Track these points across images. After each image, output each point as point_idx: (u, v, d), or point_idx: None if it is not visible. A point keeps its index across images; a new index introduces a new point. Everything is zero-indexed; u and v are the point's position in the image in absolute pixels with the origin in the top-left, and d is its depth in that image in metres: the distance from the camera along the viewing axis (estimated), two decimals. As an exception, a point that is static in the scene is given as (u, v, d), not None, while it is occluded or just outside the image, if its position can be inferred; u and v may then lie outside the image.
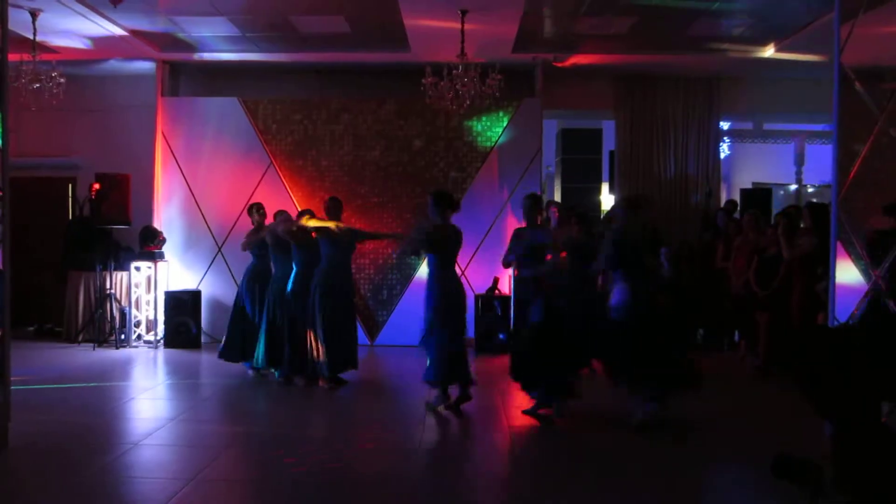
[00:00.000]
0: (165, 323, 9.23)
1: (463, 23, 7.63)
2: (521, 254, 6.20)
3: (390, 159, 9.59)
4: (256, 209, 7.79)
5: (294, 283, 7.03)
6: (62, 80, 7.88)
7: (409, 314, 9.49)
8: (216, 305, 9.57)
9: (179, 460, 5.03)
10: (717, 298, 8.77)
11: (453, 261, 6.29)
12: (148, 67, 9.67)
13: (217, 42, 8.95)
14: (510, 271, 8.34)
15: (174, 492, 4.23)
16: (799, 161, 12.13)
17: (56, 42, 8.59)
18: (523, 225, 6.46)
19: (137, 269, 9.31)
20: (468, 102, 7.91)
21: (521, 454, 5.20)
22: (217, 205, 9.68)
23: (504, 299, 9.10)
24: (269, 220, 7.68)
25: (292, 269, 7.10)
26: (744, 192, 10.94)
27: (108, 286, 9.15)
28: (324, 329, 6.76)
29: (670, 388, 5.59)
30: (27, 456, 4.91)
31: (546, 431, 5.71)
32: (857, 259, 8.10)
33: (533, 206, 6.24)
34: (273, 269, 7.36)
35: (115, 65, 9.66)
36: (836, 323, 5.36)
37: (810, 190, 12.65)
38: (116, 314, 9.15)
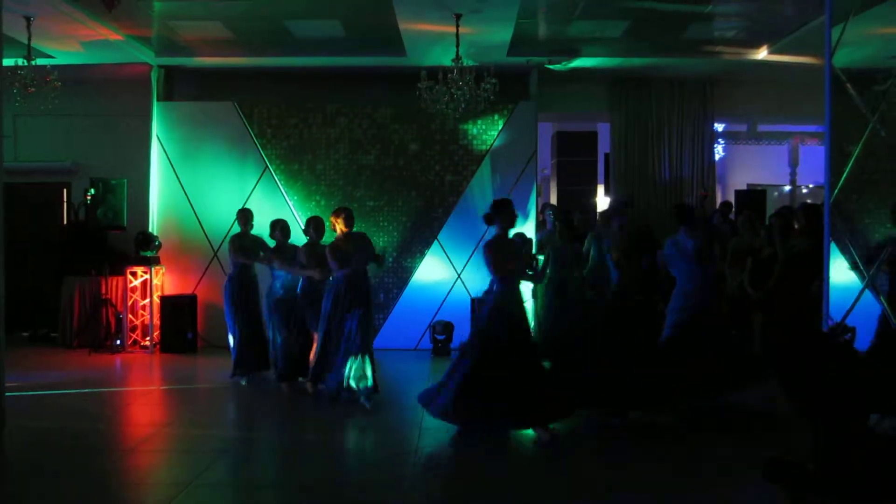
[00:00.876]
0: (161, 328, 9.22)
1: (458, 27, 7.65)
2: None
3: (386, 163, 9.60)
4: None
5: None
6: (57, 84, 7.87)
7: (405, 318, 9.51)
8: (212, 310, 9.55)
9: (175, 466, 5.02)
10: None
11: None
12: (143, 72, 9.67)
13: (212, 46, 8.96)
14: None
15: (169, 497, 4.22)
16: (793, 162, 12.19)
17: (51, 47, 8.59)
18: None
19: (133, 274, 9.30)
20: (463, 106, 7.92)
21: (519, 460, 5.21)
22: (213, 209, 9.67)
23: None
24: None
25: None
26: (738, 193, 10.98)
27: (103, 291, 9.13)
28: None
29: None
30: (22, 461, 4.90)
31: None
32: (850, 259, 8.13)
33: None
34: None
35: (111, 69, 9.64)
36: (830, 323, 5.38)
37: (804, 191, 12.71)
38: (112, 319, 9.13)
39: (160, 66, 9.69)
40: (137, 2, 7.36)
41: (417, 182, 9.58)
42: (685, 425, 5.82)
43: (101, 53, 8.92)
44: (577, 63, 9.48)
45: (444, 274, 9.53)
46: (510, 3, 7.21)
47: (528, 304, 8.97)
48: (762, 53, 9.00)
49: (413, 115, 9.47)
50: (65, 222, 10.25)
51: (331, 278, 6.61)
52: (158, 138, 9.74)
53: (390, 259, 9.34)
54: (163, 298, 9.28)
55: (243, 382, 7.29)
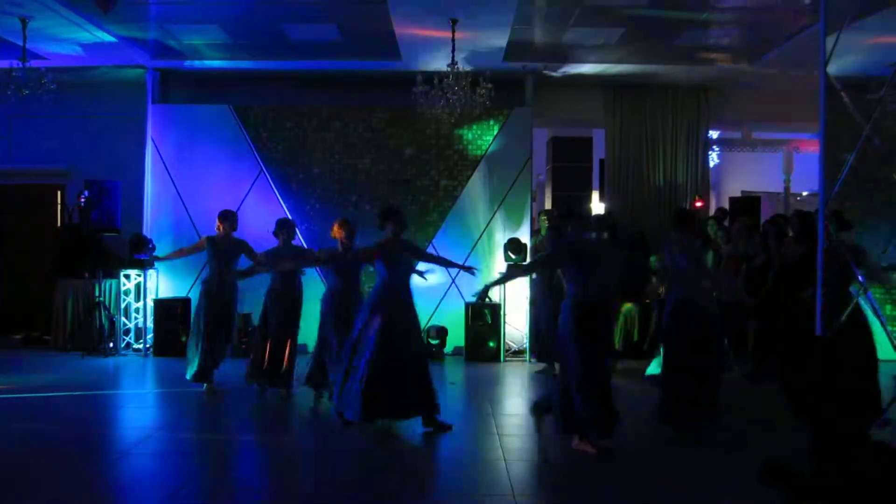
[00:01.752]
0: (154, 331, 9.18)
1: (454, 32, 7.67)
2: None
3: (381, 167, 9.61)
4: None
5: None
6: (52, 86, 7.85)
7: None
8: (206, 313, 9.52)
9: (168, 469, 5.00)
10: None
11: None
12: (138, 75, 9.66)
13: (208, 49, 8.95)
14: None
15: (161, 501, 4.20)
16: (787, 170, 12.24)
17: (46, 49, 8.57)
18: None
19: (127, 276, 9.27)
20: (459, 111, 7.94)
21: (513, 465, 5.20)
22: (207, 212, 9.61)
23: (494, 307, 9.10)
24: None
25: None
26: (733, 200, 11.01)
27: (96, 294, 9.10)
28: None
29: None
30: (13, 465, 4.87)
31: (535, 442, 5.71)
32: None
33: None
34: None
35: (106, 72, 9.63)
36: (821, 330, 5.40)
37: (798, 198, 12.76)
38: (105, 322, 9.09)
39: (155, 69, 9.68)
40: (133, 4, 7.35)
41: (412, 186, 9.58)
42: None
43: (97, 55, 8.91)
44: (573, 69, 9.51)
45: (438, 278, 9.52)
46: (506, 9, 7.23)
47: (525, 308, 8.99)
48: (757, 61, 9.04)
49: (409, 120, 9.47)
50: (59, 224, 10.22)
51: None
52: (153, 141, 9.72)
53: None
54: (156, 301, 9.24)
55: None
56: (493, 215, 9.52)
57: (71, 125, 9.95)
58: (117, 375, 8.11)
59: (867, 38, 7.45)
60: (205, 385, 7.04)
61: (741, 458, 5.01)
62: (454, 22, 7.54)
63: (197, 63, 9.46)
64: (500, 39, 8.23)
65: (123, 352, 9.15)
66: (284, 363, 6.86)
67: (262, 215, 9.57)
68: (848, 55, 7.20)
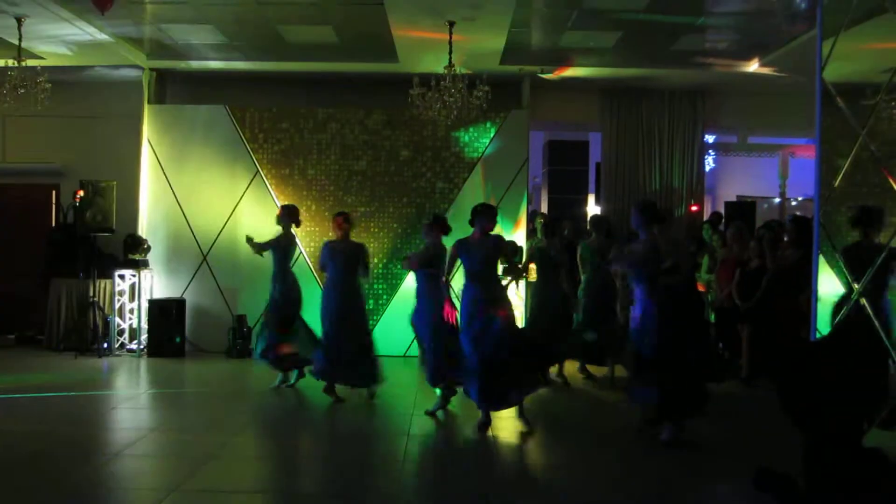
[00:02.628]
0: (149, 331, 9.16)
1: (451, 34, 7.66)
2: None
3: (377, 169, 9.60)
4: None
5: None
6: (48, 86, 7.82)
7: (395, 324, 9.48)
8: (201, 314, 9.50)
9: (161, 471, 4.99)
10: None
11: None
12: (134, 74, 9.63)
13: (204, 50, 8.93)
14: None
15: (155, 502, 4.18)
16: (782, 174, 12.27)
17: (42, 48, 8.54)
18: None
19: (121, 277, 9.24)
20: (455, 113, 7.93)
21: (507, 465, 5.20)
22: (203, 213, 9.63)
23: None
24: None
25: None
26: (728, 204, 11.04)
27: (91, 294, 9.07)
28: None
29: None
30: (6, 466, 4.84)
31: (528, 440, 5.70)
32: (839, 272, 8.18)
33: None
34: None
35: (102, 71, 9.61)
36: (816, 336, 5.40)
37: (794, 203, 12.79)
38: (99, 322, 9.06)
39: (151, 69, 9.65)
40: (129, 4, 7.33)
41: (409, 188, 9.57)
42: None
43: (93, 55, 8.87)
44: (569, 73, 9.52)
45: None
46: (503, 11, 7.23)
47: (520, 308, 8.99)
48: (753, 66, 9.06)
49: (405, 122, 9.47)
50: (53, 224, 10.18)
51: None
52: (149, 141, 9.69)
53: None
54: (151, 302, 9.21)
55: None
56: (489, 218, 9.50)
57: (66, 125, 9.92)
58: (111, 376, 8.08)
59: (863, 43, 7.47)
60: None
61: (735, 463, 5.01)
62: (451, 24, 7.54)
63: (193, 63, 9.44)
64: (497, 42, 8.23)
65: (117, 352, 9.12)
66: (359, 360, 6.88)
67: (257, 217, 9.57)
68: (844, 61, 7.20)
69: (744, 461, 4.72)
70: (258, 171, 9.61)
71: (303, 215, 9.51)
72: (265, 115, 9.65)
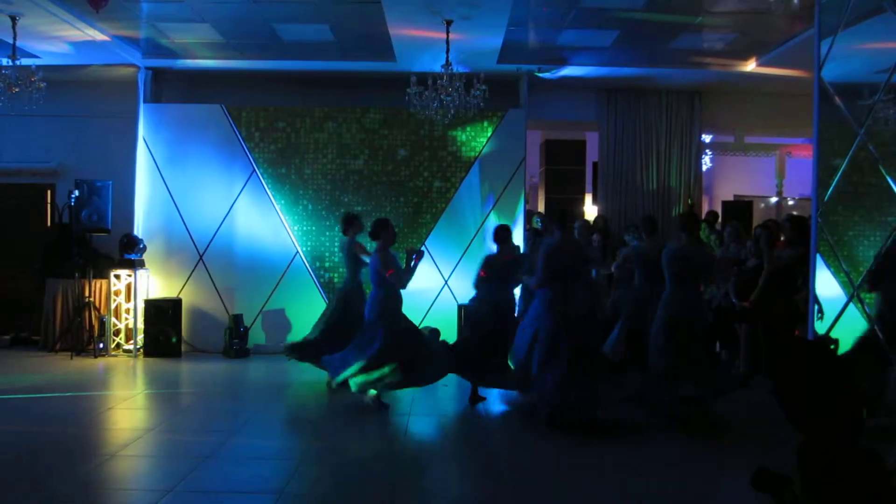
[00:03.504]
0: (145, 332, 9.12)
1: (448, 33, 7.65)
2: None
3: (374, 168, 9.58)
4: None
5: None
6: (43, 85, 7.78)
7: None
8: (197, 314, 9.48)
9: (157, 471, 4.97)
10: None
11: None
12: (130, 73, 9.59)
13: (200, 49, 8.90)
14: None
15: (151, 503, 4.17)
16: (779, 174, 12.28)
17: (37, 47, 8.50)
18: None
19: (117, 276, 9.20)
20: (453, 112, 7.92)
21: (502, 465, 5.18)
22: (199, 212, 9.60)
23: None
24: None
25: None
26: (725, 203, 11.04)
27: (86, 294, 9.03)
28: None
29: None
30: (1, 467, 4.81)
31: (525, 439, 5.69)
32: (836, 271, 8.18)
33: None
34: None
35: (97, 70, 9.57)
36: (814, 334, 5.41)
37: (790, 203, 12.80)
38: (95, 323, 9.02)
39: (147, 68, 9.61)
40: (125, 2, 7.30)
41: (406, 187, 9.56)
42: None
43: (88, 54, 8.83)
44: (567, 72, 9.51)
45: (431, 280, 9.50)
46: (501, 10, 7.22)
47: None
48: (751, 65, 9.06)
49: (402, 121, 9.45)
50: (48, 224, 10.14)
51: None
52: (145, 140, 9.66)
53: None
54: (147, 302, 9.18)
55: None
56: (487, 217, 9.50)
57: (61, 124, 9.88)
58: (107, 376, 8.05)
59: (860, 43, 7.47)
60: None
61: (733, 462, 5.01)
62: (448, 23, 7.52)
63: (189, 62, 9.41)
64: (494, 41, 8.21)
65: (113, 352, 9.08)
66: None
67: (254, 216, 9.55)
68: (841, 60, 7.20)
69: (742, 461, 4.72)
70: (255, 170, 9.58)
71: (299, 215, 9.56)
72: (262, 114, 9.62)
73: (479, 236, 9.52)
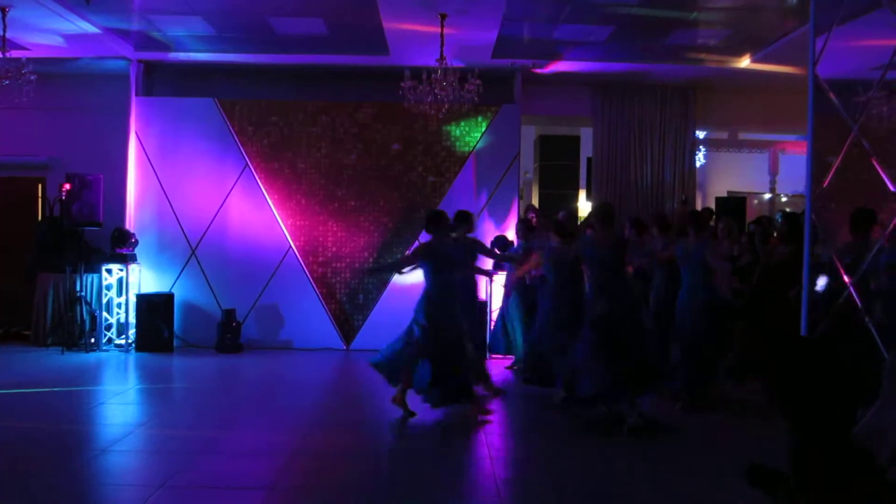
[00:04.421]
0: (137, 326, 9.08)
1: (442, 27, 7.61)
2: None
3: (368, 163, 9.54)
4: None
5: None
6: (33, 77, 7.71)
7: (385, 318, 9.44)
8: (189, 308, 9.43)
9: (149, 467, 4.94)
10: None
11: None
12: (121, 66, 9.52)
13: (193, 42, 8.84)
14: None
15: (142, 499, 4.14)
16: (773, 170, 12.30)
17: (27, 39, 8.42)
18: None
19: (109, 271, 9.15)
20: (447, 107, 7.89)
21: (495, 461, 5.18)
22: (191, 207, 9.55)
23: (480, 305, 9.05)
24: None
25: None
26: (719, 200, 11.06)
27: (78, 289, 8.97)
28: None
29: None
30: (-10, 462, 4.78)
31: (521, 435, 5.69)
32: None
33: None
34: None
35: (88, 63, 9.49)
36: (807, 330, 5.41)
37: (784, 199, 12.82)
38: (87, 317, 8.97)
39: (139, 61, 9.55)
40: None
41: (399, 182, 9.53)
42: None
43: (79, 46, 8.76)
44: (561, 67, 9.49)
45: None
46: (496, 4, 7.19)
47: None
48: (745, 62, 9.06)
49: (396, 115, 9.42)
50: (39, 218, 10.07)
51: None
52: (136, 134, 9.59)
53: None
54: (139, 296, 9.13)
55: None
56: (481, 212, 9.49)
57: (52, 117, 9.80)
58: (98, 371, 8.00)
59: (855, 40, 7.48)
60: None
61: (726, 458, 5.01)
62: (443, 17, 7.49)
63: (181, 55, 9.34)
64: (489, 35, 8.18)
65: (105, 347, 9.03)
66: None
67: (247, 210, 9.51)
68: (836, 57, 7.21)
69: (735, 456, 4.72)
70: (247, 164, 9.53)
71: (292, 209, 9.52)
72: (254, 108, 9.57)
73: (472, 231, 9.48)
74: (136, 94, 9.61)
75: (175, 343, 9.16)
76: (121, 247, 9.10)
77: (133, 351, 8.98)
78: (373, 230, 9.52)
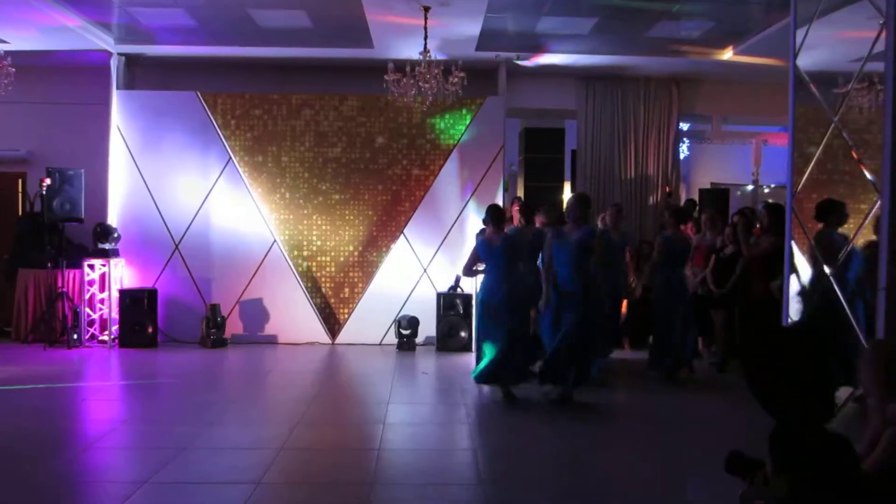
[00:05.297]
0: (120, 322, 9.01)
1: (426, 20, 7.59)
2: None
3: (352, 156, 9.51)
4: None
5: None
6: (12, 70, 7.61)
7: (370, 312, 9.44)
8: (173, 303, 9.38)
9: (132, 463, 4.91)
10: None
11: None
12: (102, 59, 9.41)
13: (174, 34, 8.75)
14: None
15: (125, 496, 4.12)
16: (755, 162, 12.37)
17: (6, 31, 8.31)
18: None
19: (91, 266, 9.06)
20: (431, 100, 7.87)
21: (486, 456, 5.20)
22: (174, 201, 9.48)
23: (466, 297, 9.08)
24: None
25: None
26: (702, 191, 11.12)
27: (59, 284, 8.89)
28: None
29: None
30: (-29, 460, 4.74)
31: (506, 429, 5.72)
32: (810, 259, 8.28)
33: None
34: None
35: (68, 56, 9.37)
36: (788, 321, 5.47)
37: (766, 190, 12.91)
38: (69, 313, 8.90)
39: (120, 54, 9.44)
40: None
41: (384, 175, 9.50)
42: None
43: (59, 39, 8.65)
44: (545, 59, 9.49)
45: (409, 268, 9.48)
46: (479, -3, 7.17)
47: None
48: (728, 54, 9.11)
49: (380, 108, 9.39)
50: (20, 213, 9.96)
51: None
52: (118, 128, 9.50)
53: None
54: (122, 292, 9.06)
55: None
56: (465, 205, 9.49)
57: (32, 111, 9.69)
58: (81, 367, 7.94)
59: (835, 32, 7.53)
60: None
61: (707, 446, 5.06)
62: (426, 10, 7.46)
63: (163, 48, 9.25)
64: (473, 28, 8.17)
65: (88, 343, 8.96)
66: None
67: (230, 204, 9.45)
68: (816, 49, 7.26)
69: (716, 445, 4.77)
70: (231, 158, 9.47)
71: (276, 203, 9.48)
72: (237, 102, 9.50)
73: (457, 224, 9.51)
74: (118, 88, 9.50)
75: (159, 338, 9.11)
76: (103, 242, 9.02)
77: (116, 347, 8.92)
78: (357, 223, 9.50)
